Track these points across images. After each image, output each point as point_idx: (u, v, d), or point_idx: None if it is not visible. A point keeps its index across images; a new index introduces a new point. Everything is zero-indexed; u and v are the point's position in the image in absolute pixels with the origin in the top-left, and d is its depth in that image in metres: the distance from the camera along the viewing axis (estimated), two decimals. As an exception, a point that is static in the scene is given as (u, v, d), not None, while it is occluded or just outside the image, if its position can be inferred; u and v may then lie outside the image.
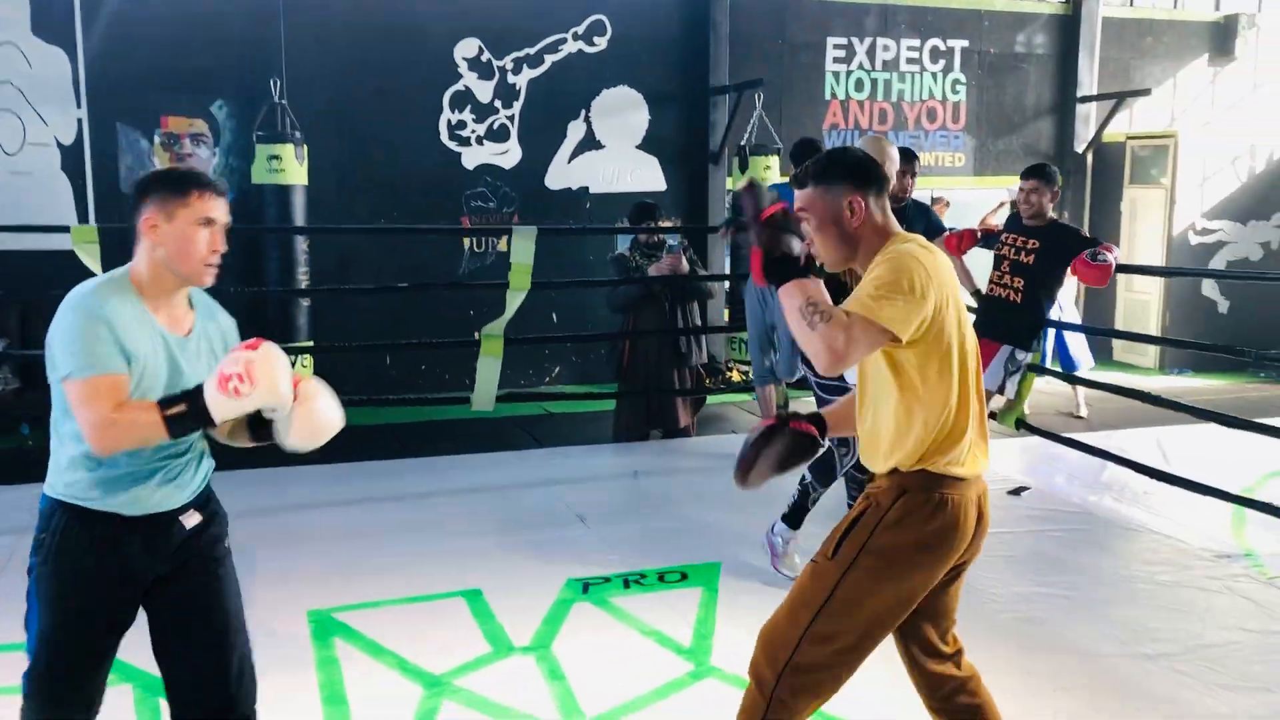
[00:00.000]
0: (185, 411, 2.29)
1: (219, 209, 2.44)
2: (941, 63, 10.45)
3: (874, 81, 10.30)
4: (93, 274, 6.27)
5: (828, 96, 10.21)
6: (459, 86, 9.19)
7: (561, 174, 9.53)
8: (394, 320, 8.23)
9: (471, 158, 9.29)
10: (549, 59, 9.40)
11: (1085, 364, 8.30)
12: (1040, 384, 7.03)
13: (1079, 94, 10.68)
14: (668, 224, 9.45)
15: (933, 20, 10.36)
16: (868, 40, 10.22)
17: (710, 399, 7.56)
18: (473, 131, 9.27)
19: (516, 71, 9.32)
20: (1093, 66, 10.71)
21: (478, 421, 7.33)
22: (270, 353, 2.31)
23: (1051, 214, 5.92)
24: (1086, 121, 10.77)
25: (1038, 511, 5.58)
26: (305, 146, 8.13)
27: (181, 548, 2.51)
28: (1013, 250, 5.86)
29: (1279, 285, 9.98)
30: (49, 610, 2.41)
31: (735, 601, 4.32)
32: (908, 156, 5.87)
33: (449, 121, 9.20)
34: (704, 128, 9.73)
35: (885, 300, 2.32)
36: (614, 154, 9.65)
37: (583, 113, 9.53)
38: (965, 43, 10.48)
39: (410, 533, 5.14)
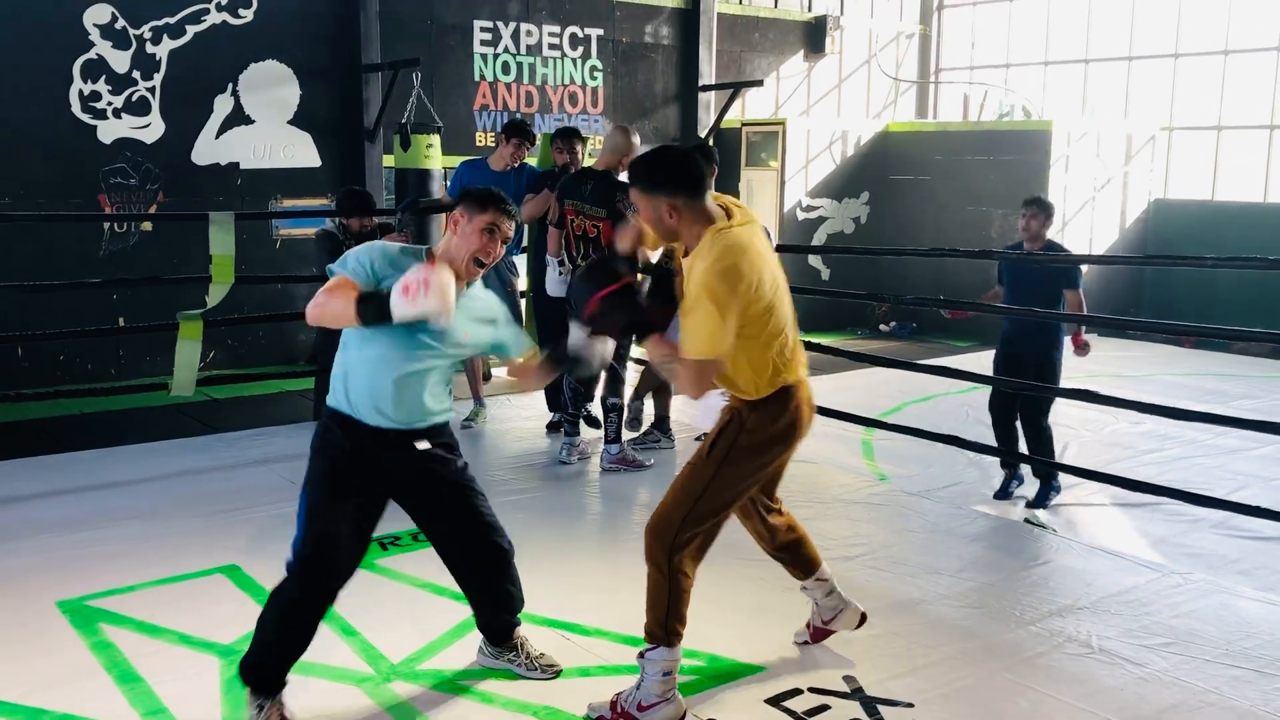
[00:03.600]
0: (371, 305, 2.91)
1: None
2: (580, 49, 11.08)
3: (519, 65, 10.74)
4: None
5: (477, 78, 10.51)
6: (91, 55, 8.54)
7: (209, 149, 9.14)
8: (21, 307, 7.59)
9: (108, 132, 8.67)
10: (191, 29, 8.97)
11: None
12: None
13: (700, 83, 11.75)
14: (322, 201, 9.44)
15: (571, 8, 10.96)
16: (512, 25, 10.63)
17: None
18: (109, 104, 8.66)
19: (156, 41, 8.82)
20: (711, 58, 11.81)
21: (138, 411, 7.01)
22: (443, 272, 2.89)
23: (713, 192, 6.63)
24: (708, 108, 11.86)
25: (725, 452, 6.32)
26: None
27: (420, 463, 3.21)
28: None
29: (867, 256, 11.56)
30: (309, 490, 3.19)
31: (492, 550, 4.62)
32: (567, 134, 6.41)
33: (80, 93, 8.54)
34: (358, 105, 9.71)
35: (705, 337, 2.94)
36: (265, 129, 9.38)
37: (230, 86, 9.18)
38: (600, 31, 11.18)
39: (134, 520, 4.95)
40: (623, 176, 5.76)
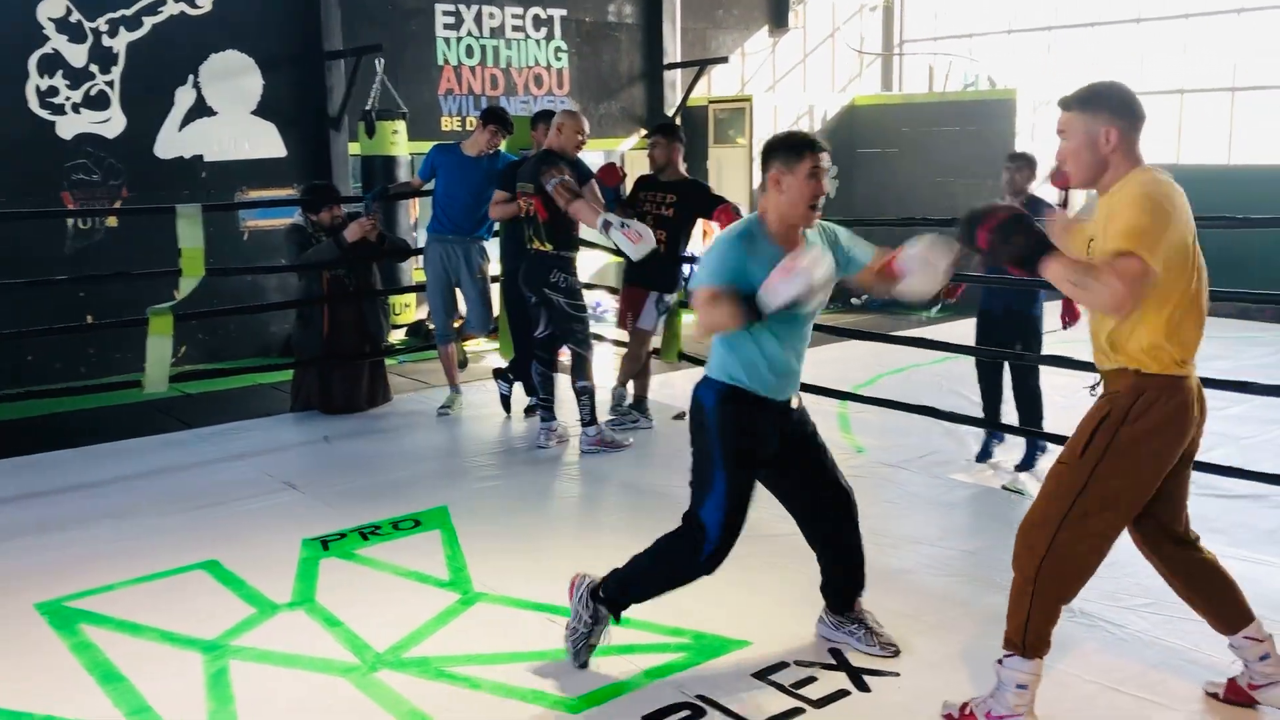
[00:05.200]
0: (750, 309, 3.05)
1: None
2: (544, 30, 11.01)
3: (483, 48, 10.66)
4: None
5: (440, 62, 10.42)
6: (47, 50, 8.41)
7: (172, 142, 9.03)
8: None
9: (68, 127, 8.55)
10: (149, 21, 8.84)
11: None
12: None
13: (665, 61, 11.70)
14: (289, 191, 9.36)
15: (532, -11, 10.90)
16: (474, 7, 10.54)
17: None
18: (67, 98, 8.54)
19: (113, 34, 8.68)
20: (675, 36, 11.76)
21: (111, 409, 6.94)
22: (801, 256, 2.99)
23: (683, 170, 6.61)
24: (674, 87, 11.82)
25: (703, 430, 6.33)
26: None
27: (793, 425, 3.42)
28: (653, 205, 6.46)
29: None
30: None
31: (473, 534, 4.63)
32: (545, 116, 6.38)
33: (37, 88, 8.41)
34: (321, 93, 9.61)
35: (1146, 236, 2.64)
36: (228, 120, 9.28)
37: (191, 78, 9.07)
38: (564, 11, 11.10)
39: (111, 519, 4.91)
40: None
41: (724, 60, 11.60)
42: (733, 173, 11.60)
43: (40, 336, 7.79)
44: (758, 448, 3.35)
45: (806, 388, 6.32)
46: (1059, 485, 2.93)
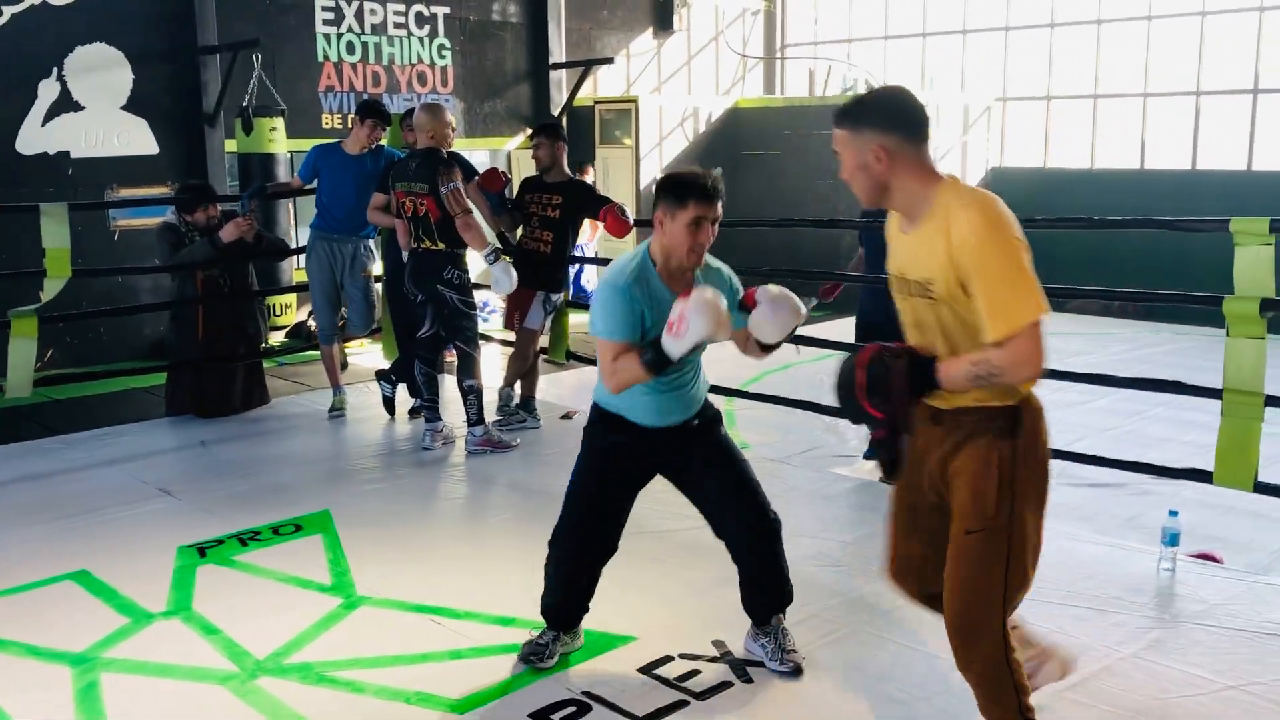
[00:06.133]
0: (656, 356, 3.04)
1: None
2: (427, 28, 10.89)
3: (365, 45, 10.49)
4: None
5: (320, 58, 10.23)
6: (-107, 38, 8.01)
7: (35, 138, 8.66)
8: None
9: (-81, 120, 8.16)
10: (8, 10, 8.46)
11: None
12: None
13: (551, 61, 11.69)
14: (163, 189, 9.07)
15: (415, -14, 10.77)
16: (355, 4, 10.37)
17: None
18: (-83, 90, 8.14)
19: (-31, 23, 8.31)
20: (560, 35, 11.76)
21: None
22: (697, 296, 2.97)
23: (567, 170, 6.62)
24: (559, 87, 11.81)
25: (590, 429, 6.36)
26: None
27: (689, 440, 3.40)
28: (539, 206, 6.45)
29: (724, 229, 11.71)
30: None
31: (357, 537, 4.56)
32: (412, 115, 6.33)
33: (-116, 79, 8.00)
34: (196, 88, 9.34)
35: (1030, 291, 2.40)
36: (96, 115, 8.94)
37: (55, 71, 8.72)
38: (447, 9, 11.00)
39: (-30, 530, 4.68)
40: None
41: (609, 61, 11.65)
42: (619, 173, 11.66)
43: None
44: (620, 472, 3.40)
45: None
46: (982, 556, 2.59)
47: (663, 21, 12.82)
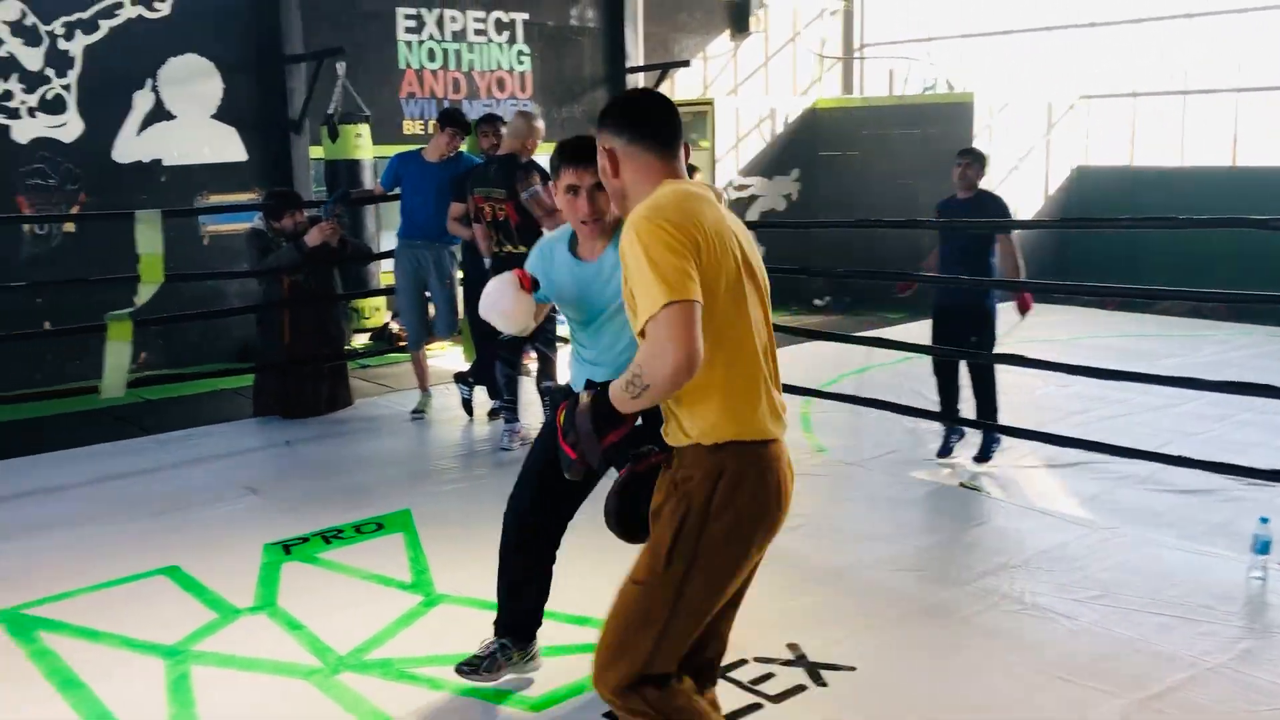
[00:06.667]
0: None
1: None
2: (506, 34, 11.02)
3: (445, 51, 10.66)
4: None
5: (402, 66, 10.41)
6: (1, 53, 8.33)
7: (131, 147, 8.96)
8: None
9: (23, 131, 8.47)
10: (105, 24, 8.77)
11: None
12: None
13: (628, 65, 11.74)
14: (250, 196, 9.31)
15: (494, -7, 10.91)
16: (436, 11, 10.54)
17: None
18: (22, 102, 8.46)
19: (69, 37, 8.61)
20: (637, 39, 11.81)
21: (69, 416, 6.87)
22: (494, 286, 3.00)
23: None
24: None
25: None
26: None
27: None
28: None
29: (801, 230, 11.68)
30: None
31: (436, 536, 4.64)
32: (490, 120, 6.41)
33: (-8, 92, 8.33)
34: (282, 96, 9.58)
35: (664, 276, 2.08)
36: (188, 124, 9.22)
37: (149, 81, 9.00)
38: (526, 15, 11.12)
39: (70, 526, 4.87)
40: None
41: (685, 64, 11.66)
42: (696, 175, 11.64)
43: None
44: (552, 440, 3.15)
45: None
46: (636, 613, 2.36)
47: (740, 23, 12.79)
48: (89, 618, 3.87)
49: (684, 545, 2.26)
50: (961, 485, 5.57)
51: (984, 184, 5.96)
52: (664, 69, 11.59)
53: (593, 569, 4.07)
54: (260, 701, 3.33)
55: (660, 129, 2.34)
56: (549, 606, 3.52)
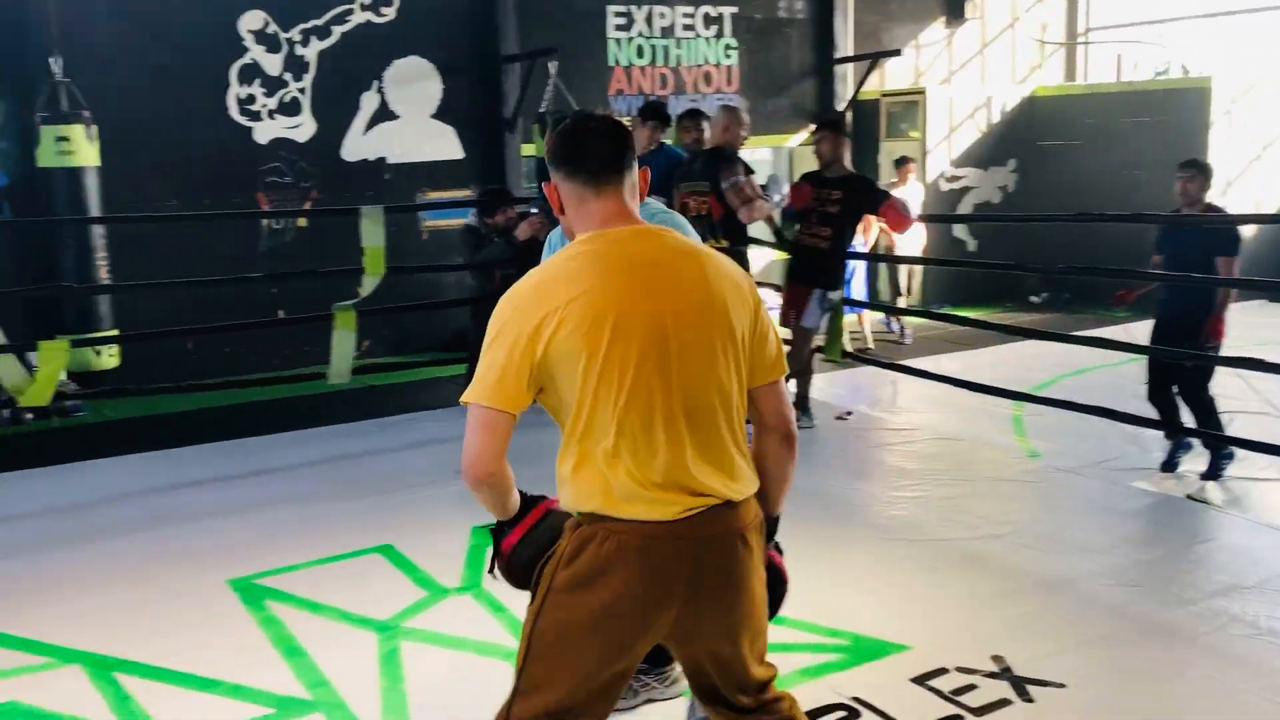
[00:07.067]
0: None
1: None
2: (714, 28, 11.04)
3: (653, 48, 10.77)
4: None
5: (611, 63, 10.59)
6: (246, 60, 8.96)
7: (357, 146, 9.47)
8: (195, 302, 8.02)
9: (264, 132, 9.08)
10: (337, 30, 9.30)
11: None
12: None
13: (836, 55, 11.55)
14: (466, 193, 9.67)
15: (703, -12, 10.95)
16: (645, 8, 10.67)
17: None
18: (263, 105, 9.07)
19: (305, 43, 9.18)
20: (847, 29, 11.60)
21: (299, 399, 7.32)
22: None
23: (848, 165, 6.52)
24: (844, 81, 11.66)
25: (869, 430, 6.24)
26: (95, 126, 7.75)
27: None
28: (818, 202, 6.39)
29: (1017, 224, 11.20)
30: None
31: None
32: (693, 115, 6.41)
33: (238, 96, 8.96)
34: (497, 96, 9.91)
35: (479, 374, 2.12)
36: (409, 124, 9.67)
37: (375, 84, 9.49)
38: (734, 9, 11.11)
39: (297, 502, 5.21)
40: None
41: (896, 53, 11.36)
42: (909, 165, 11.34)
43: (236, 330, 8.33)
44: None
45: (978, 387, 6.19)
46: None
47: (955, 10, 12.37)
48: (312, 590, 4.11)
49: (536, 598, 2.16)
50: (1189, 497, 5.21)
51: (1215, 190, 5.51)
52: (873, 59, 11.34)
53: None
54: (463, 679, 3.45)
55: (581, 163, 2.13)
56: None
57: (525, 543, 2.23)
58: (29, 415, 7.03)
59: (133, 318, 8.01)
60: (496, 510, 2.19)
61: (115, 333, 7.95)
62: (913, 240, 9.24)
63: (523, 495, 2.27)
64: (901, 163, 10.01)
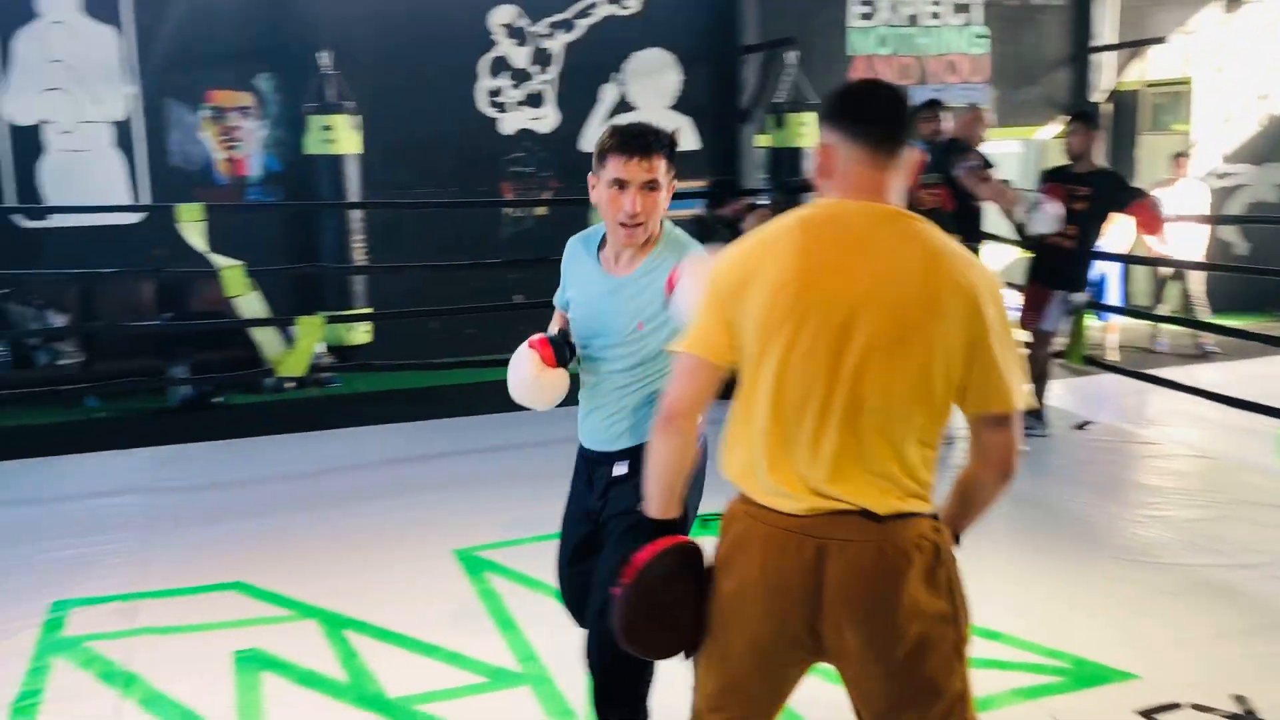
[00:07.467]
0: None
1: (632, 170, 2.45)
2: (963, 16, 10.64)
3: (896, 37, 10.49)
4: (197, 250, 6.56)
5: (850, 53, 10.39)
6: (496, 53, 9.34)
7: (596, 137, 9.69)
8: (434, 284, 8.44)
9: (509, 124, 9.45)
10: (581, 23, 9.55)
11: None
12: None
13: (1095, 43, 10.90)
14: (701, 183, 9.72)
15: (953, -26, 10.57)
16: (891, -3, 10.43)
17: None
18: (510, 97, 9.43)
19: (551, 37, 9.47)
20: (1107, 16, 10.93)
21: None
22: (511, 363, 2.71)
23: (1097, 160, 6.15)
24: (1100, 70, 10.99)
25: (1110, 442, 5.88)
26: (359, 116, 8.29)
27: (606, 490, 2.68)
28: (1064, 199, 6.05)
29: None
30: None
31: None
32: (931, 105, 6.20)
33: (487, 88, 9.35)
34: (734, 87, 9.91)
35: (690, 327, 2.09)
36: (647, 116, 9.62)
37: (615, 75, 9.69)
38: (987, -5, 10.70)
39: (528, 479, 5.36)
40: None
41: (1160, 40, 10.60)
42: (1166, 162, 10.60)
43: (476, 313, 8.72)
44: (574, 497, 2.88)
45: (1239, 403, 5.69)
46: None
47: (1234, -8, 11.42)
48: (528, 565, 4.25)
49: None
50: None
51: None
52: (1135, 47, 10.63)
53: (1009, 588, 3.86)
54: (668, 663, 3.47)
55: (874, 124, 1.99)
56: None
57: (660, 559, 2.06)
58: (291, 384, 7.62)
59: (384, 297, 8.53)
60: (669, 467, 2.08)
61: (368, 310, 8.51)
62: (1187, 244, 8.57)
63: (673, 524, 2.13)
64: (1175, 157, 9.32)
